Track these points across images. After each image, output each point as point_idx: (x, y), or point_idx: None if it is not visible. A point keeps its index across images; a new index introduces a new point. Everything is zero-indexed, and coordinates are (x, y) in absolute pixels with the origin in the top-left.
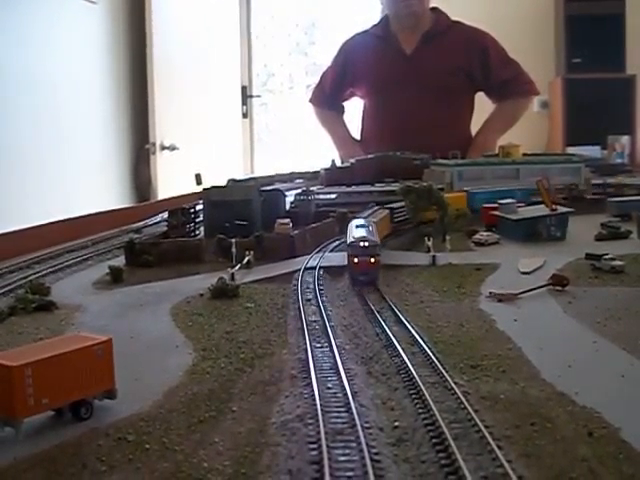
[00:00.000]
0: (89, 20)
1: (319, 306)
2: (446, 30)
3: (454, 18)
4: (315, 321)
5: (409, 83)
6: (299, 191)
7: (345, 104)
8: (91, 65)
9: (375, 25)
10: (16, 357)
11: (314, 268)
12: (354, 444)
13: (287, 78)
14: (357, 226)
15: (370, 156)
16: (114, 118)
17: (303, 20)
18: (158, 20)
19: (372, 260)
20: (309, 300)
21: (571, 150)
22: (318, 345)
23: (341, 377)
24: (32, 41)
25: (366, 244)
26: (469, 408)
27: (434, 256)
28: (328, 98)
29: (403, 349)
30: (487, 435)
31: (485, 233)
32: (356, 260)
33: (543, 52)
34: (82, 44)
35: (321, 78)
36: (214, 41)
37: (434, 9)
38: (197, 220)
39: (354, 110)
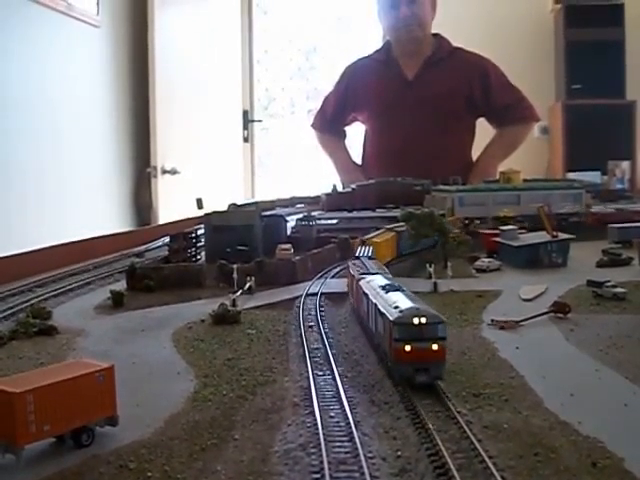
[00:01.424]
0: (92, 43)
1: (321, 333)
2: (448, 56)
3: (455, 44)
4: (317, 348)
5: (410, 108)
6: (300, 216)
7: (347, 129)
8: (93, 88)
9: (377, 50)
10: (18, 384)
11: (315, 294)
12: (357, 474)
13: (288, 103)
14: (387, 288)
15: (371, 181)
16: (115, 141)
17: (304, 45)
18: (160, 45)
19: (435, 347)
20: (311, 327)
21: (571, 176)
22: (320, 373)
23: (343, 405)
24: (34, 64)
25: (423, 321)
26: (472, 438)
27: (435, 282)
28: (330, 123)
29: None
30: (491, 465)
31: (487, 259)
32: (408, 348)
33: (543, 78)
34: (84, 67)
35: (323, 103)
36: (216, 65)
37: (436, 35)
38: (198, 245)
39: (356, 135)
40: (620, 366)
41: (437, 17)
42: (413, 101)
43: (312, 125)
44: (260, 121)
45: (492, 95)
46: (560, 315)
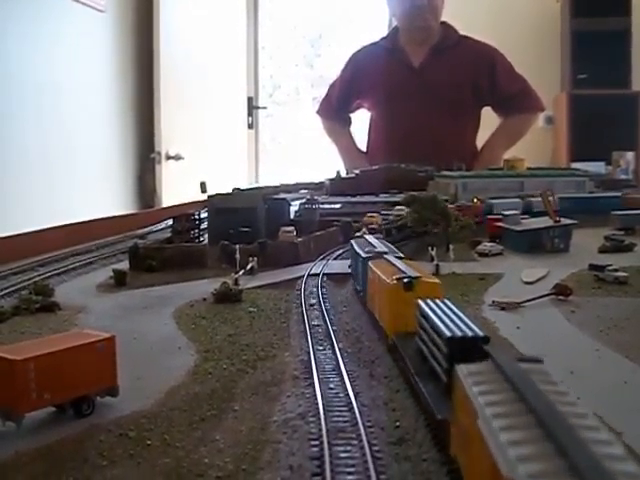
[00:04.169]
0: (97, 28)
1: (322, 311)
2: (454, 44)
3: (462, 33)
4: (318, 325)
5: (416, 96)
6: (304, 200)
7: (352, 116)
8: (98, 74)
9: (384, 37)
10: (19, 352)
11: (317, 275)
12: (355, 442)
13: (293, 90)
14: None
15: (375, 167)
16: (120, 127)
17: (310, 32)
18: (165, 30)
19: None
20: (312, 305)
21: (576, 166)
22: (320, 348)
23: (343, 378)
24: (39, 49)
25: None
26: None
27: (437, 265)
28: (335, 110)
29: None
30: None
31: (489, 244)
32: None
33: (549, 68)
34: (90, 52)
35: (329, 89)
36: (221, 52)
37: (442, 23)
38: (201, 226)
39: (361, 121)
40: (620, 346)
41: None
42: (419, 89)
43: (317, 112)
44: (265, 108)
45: (498, 84)
46: (561, 297)
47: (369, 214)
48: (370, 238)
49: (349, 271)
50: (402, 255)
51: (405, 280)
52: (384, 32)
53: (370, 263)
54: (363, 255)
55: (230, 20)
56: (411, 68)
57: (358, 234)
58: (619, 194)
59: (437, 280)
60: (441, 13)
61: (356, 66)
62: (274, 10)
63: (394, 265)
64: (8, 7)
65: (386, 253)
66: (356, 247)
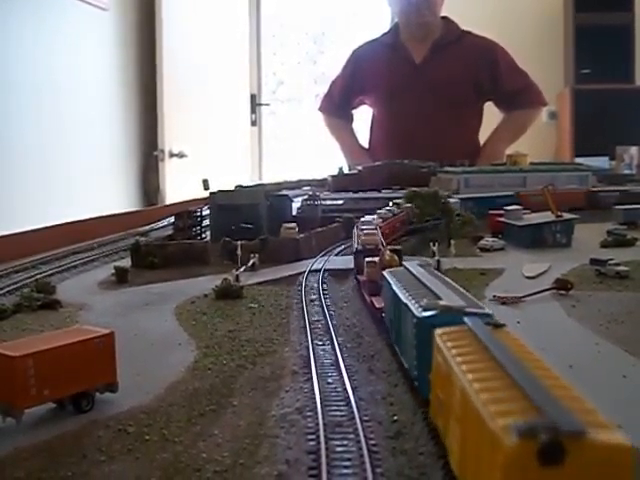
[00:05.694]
0: (99, 26)
1: (322, 306)
2: (456, 40)
3: (464, 28)
4: (318, 320)
5: (418, 92)
6: (306, 196)
7: (354, 112)
8: (101, 71)
9: (385, 34)
10: (19, 348)
11: (319, 271)
12: (352, 436)
13: (296, 87)
14: None
15: (377, 163)
16: (124, 125)
17: (312, 29)
18: (168, 28)
19: None
20: (313, 301)
21: (579, 161)
22: (320, 343)
23: (342, 373)
24: (40, 46)
25: None
26: None
27: (439, 260)
28: (337, 106)
29: None
30: None
31: (491, 239)
32: None
33: (552, 63)
34: (92, 50)
35: (330, 86)
36: (224, 49)
37: (444, 18)
38: (203, 223)
39: (363, 118)
40: (620, 340)
41: (446, 1)
42: (420, 85)
43: (319, 108)
44: (268, 105)
45: (500, 80)
46: (562, 292)
47: (365, 232)
48: (414, 268)
49: (350, 267)
50: (496, 319)
51: (545, 438)
52: (386, 29)
53: (439, 338)
54: (418, 314)
55: (233, 18)
56: (413, 64)
57: (371, 259)
58: (512, 193)
59: (627, 441)
60: (440, 9)
61: (357, 62)
62: (277, 8)
63: (496, 359)
64: (8, 6)
65: (465, 312)
66: (398, 290)
